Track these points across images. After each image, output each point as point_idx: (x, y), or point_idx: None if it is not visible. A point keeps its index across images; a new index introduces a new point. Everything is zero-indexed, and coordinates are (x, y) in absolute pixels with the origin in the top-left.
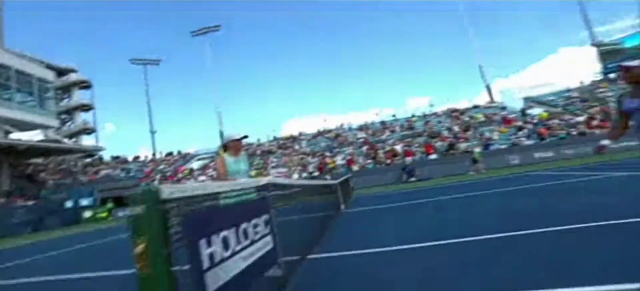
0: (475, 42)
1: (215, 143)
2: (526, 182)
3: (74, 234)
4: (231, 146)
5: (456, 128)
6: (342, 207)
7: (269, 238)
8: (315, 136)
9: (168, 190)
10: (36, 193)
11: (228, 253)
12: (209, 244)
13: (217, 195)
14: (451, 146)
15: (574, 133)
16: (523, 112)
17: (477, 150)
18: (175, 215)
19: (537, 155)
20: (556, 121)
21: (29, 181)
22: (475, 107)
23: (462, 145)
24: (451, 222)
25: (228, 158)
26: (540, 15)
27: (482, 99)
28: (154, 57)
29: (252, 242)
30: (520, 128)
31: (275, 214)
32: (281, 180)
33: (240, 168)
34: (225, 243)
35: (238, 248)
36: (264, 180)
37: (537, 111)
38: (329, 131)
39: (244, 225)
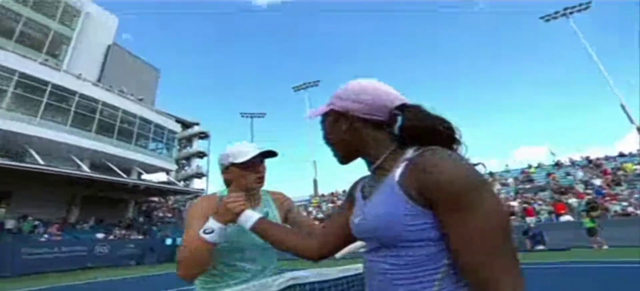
0: (612, 75)
1: (308, 191)
2: None
3: (161, 273)
4: (239, 176)
5: (597, 183)
6: None
7: None
8: None
9: None
10: (148, 228)
11: None
12: None
13: None
14: (592, 206)
15: None
16: None
17: (586, 215)
18: None
19: None
20: None
21: (145, 216)
22: (622, 155)
23: (614, 207)
24: None
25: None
26: None
27: (626, 146)
28: (260, 111)
29: None
30: None
31: None
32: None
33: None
34: None
35: None
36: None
37: None
38: None
39: None
